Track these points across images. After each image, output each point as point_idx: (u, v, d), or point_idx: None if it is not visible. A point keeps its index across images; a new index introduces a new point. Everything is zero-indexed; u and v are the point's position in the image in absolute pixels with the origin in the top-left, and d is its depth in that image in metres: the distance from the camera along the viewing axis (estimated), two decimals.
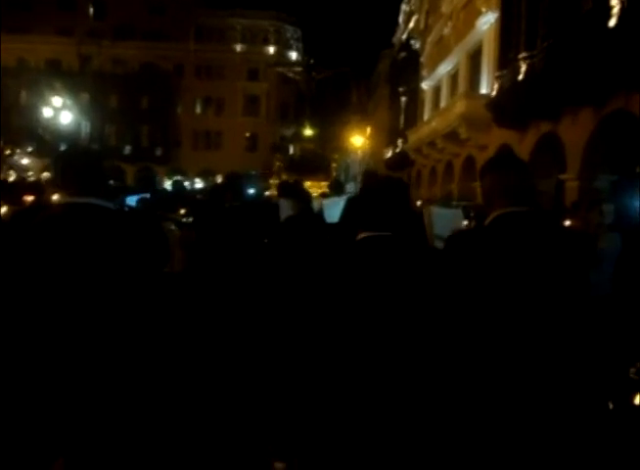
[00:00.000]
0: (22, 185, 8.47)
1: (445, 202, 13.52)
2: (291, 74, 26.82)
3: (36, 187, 6.45)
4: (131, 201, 5.75)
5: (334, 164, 19.66)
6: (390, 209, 1.87)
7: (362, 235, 1.85)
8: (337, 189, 5.03)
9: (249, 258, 3.22)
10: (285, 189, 4.49)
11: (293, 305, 2.39)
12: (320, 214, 4.20)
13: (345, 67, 29.68)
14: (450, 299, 1.82)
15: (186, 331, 3.14)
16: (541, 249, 1.82)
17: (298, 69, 25.05)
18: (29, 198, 5.76)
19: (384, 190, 1.91)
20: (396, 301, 1.77)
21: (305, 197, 4.09)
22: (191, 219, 4.71)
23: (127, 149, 37.59)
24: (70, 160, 2.09)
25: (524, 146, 14.20)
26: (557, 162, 12.72)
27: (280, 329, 2.73)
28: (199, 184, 25.68)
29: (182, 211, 5.57)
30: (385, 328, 1.76)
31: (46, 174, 26.41)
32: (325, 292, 1.85)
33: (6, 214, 4.79)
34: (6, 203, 5.13)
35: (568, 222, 5.04)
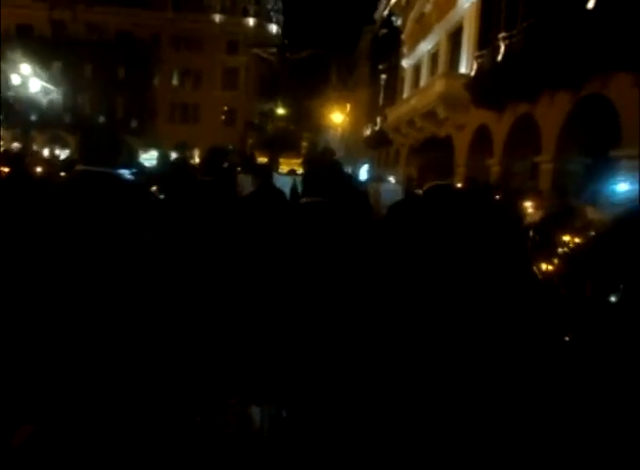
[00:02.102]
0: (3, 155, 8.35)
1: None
2: (265, 55, 26.51)
3: (14, 159, 6.41)
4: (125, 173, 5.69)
5: (304, 143, 19.73)
6: (324, 180, 2.29)
7: (303, 200, 2.26)
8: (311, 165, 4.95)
9: (209, 234, 3.21)
10: (245, 164, 4.45)
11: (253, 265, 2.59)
12: (281, 190, 4.23)
13: (323, 45, 29.43)
14: (383, 253, 2.18)
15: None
16: (463, 213, 2.27)
17: (273, 50, 24.78)
18: (4, 169, 5.73)
19: (319, 164, 2.39)
20: (324, 254, 2.13)
21: (264, 172, 4.07)
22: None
23: (101, 119, 36.66)
24: (88, 136, 2.49)
25: (500, 127, 14.26)
26: (532, 144, 12.82)
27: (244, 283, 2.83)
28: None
29: (153, 188, 5.49)
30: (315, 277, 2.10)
31: (16, 145, 25.68)
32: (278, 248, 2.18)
33: None
34: None
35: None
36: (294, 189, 4.41)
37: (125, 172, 5.66)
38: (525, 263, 2.92)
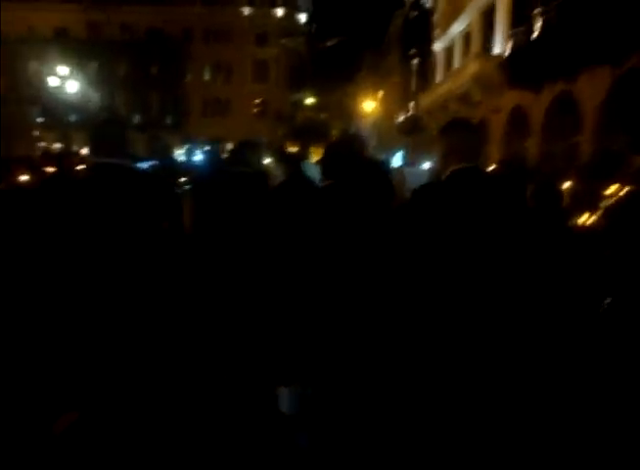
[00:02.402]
0: (47, 156, 8.71)
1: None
2: (293, 45, 26.46)
3: (56, 159, 6.67)
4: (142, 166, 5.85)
5: (334, 131, 19.63)
6: (340, 162, 2.28)
7: (324, 183, 2.31)
8: None
9: (241, 225, 3.25)
10: (275, 155, 4.46)
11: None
12: (308, 179, 4.22)
13: (353, 32, 29.15)
14: (402, 239, 2.12)
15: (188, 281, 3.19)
16: (489, 197, 2.16)
17: (301, 39, 24.68)
18: (50, 169, 5.96)
19: (336, 147, 2.37)
20: (341, 237, 2.14)
21: (294, 161, 4.07)
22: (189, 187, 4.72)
23: (137, 118, 37.39)
24: (100, 129, 2.55)
25: (537, 107, 13.83)
26: (572, 123, 12.38)
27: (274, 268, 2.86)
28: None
29: (182, 179, 5.59)
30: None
31: (58, 145, 26.46)
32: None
33: (27, 182, 4.92)
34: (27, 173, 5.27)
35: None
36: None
37: (143, 164, 5.83)
38: (562, 247, 2.78)
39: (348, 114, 35.36)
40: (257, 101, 40.40)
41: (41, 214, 2.61)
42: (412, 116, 26.13)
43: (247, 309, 2.79)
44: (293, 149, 5.11)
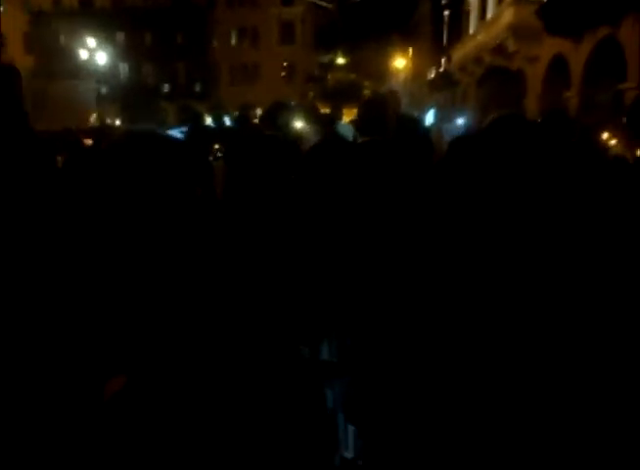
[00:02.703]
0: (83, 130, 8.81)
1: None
2: (323, 3, 25.72)
3: (94, 132, 6.74)
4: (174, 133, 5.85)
5: (366, 91, 19.14)
6: (378, 118, 2.26)
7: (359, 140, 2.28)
8: None
9: (276, 189, 3.20)
10: (311, 115, 4.35)
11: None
12: (344, 139, 4.12)
13: None
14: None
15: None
16: (533, 144, 2.03)
17: None
18: (88, 141, 6.02)
19: (373, 103, 2.33)
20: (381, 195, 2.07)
21: (327, 122, 3.96)
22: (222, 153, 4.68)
23: (166, 87, 37.41)
24: (130, 98, 2.56)
25: (578, 55, 13.14)
26: (616, 71, 11.73)
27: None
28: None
29: (216, 146, 5.54)
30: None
31: (93, 117, 26.80)
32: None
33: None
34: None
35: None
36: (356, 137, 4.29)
37: (175, 132, 5.81)
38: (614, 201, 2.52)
39: (379, 73, 34.50)
40: (285, 64, 39.79)
41: (77, 187, 2.60)
42: (444, 71, 25.28)
43: (282, 270, 2.77)
44: (324, 110, 4.99)
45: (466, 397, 1.90)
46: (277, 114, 4.15)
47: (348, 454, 2.28)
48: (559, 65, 14.13)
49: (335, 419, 2.41)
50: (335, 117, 4.30)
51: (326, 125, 3.67)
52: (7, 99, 1.85)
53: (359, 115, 2.22)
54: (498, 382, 1.92)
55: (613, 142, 5.20)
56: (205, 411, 2.37)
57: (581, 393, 1.92)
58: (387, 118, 2.15)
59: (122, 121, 2.58)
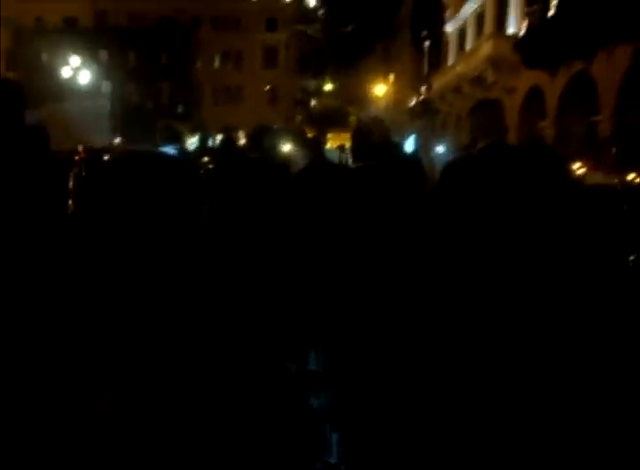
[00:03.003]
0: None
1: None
2: (310, 31, 26.38)
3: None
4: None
5: (352, 117, 19.50)
6: (372, 143, 2.37)
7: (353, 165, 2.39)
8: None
9: (263, 211, 3.24)
10: (300, 138, 4.42)
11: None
12: (332, 163, 4.19)
13: (365, 15, 28.90)
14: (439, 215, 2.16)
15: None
16: (518, 168, 2.22)
17: (317, 26, 24.63)
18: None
19: (367, 129, 2.49)
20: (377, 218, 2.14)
21: (315, 146, 4.03)
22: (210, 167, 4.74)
23: (148, 107, 37.45)
24: (132, 116, 2.43)
25: (554, 88, 13.62)
26: (589, 103, 12.19)
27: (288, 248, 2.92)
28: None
29: (205, 159, 5.60)
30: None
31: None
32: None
33: None
34: None
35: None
36: (342, 162, 4.38)
37: (170, 150, 5.84)
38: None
39: (362, 99, 35.13)
40: (268, 87, 40.26)
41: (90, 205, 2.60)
42: (424, 99, 25.85)
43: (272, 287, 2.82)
44: (310, 135, 5.09)
45: (449, 404, 1.98)
46: (263, 136, 4.22)
47: (332, 460, 2.38)
48: (535, 96, 14.62)
49: (321, 427, 2.46)
50: (320, 141, 4.38)
51: (314, 149, 3.73)
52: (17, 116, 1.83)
53: (353, 140, 2.30)
54: (481, 393, 2.00)
55: (584, 171, 5.45)
56: (191, 422, 2.38)
57: (569, 392, 2.01)
58: (381, 145, 2.24)
59: (124, 141, 2.59)
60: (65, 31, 35.91)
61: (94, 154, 3.51)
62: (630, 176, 5.14)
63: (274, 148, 4.33)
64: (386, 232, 2.07)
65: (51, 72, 29.67)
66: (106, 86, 36.05)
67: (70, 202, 2.37)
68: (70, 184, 2.80)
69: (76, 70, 21.77)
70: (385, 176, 2.21)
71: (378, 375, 2.24)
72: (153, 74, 37.68)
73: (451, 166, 2.34)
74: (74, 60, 21.89)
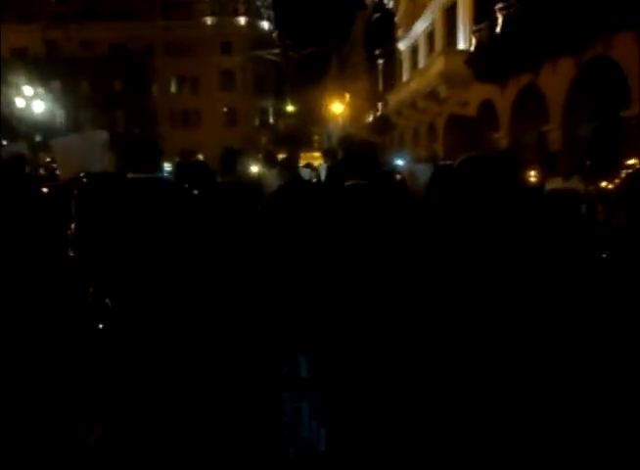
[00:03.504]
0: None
1: (431, 161, 13.61)
2: (269, 57, 26.77)
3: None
4: None
5: (315, 137, 19.80)
6: (364, 163, 2.43)
7: (348, 183, 2.35)
8: (331, 156, 5.02)
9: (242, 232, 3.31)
10: (267, 161, 4.47)
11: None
12: (308, 181, 4.27)
13: (318, 36, 29.71)
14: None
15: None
16: (496, 178, 2.39)
17: (276, 51, 25.06)
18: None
19: (361, 148, 2.50)
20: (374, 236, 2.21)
21: (289, 165, 4.10)
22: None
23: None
24: (136, 146, 2.65)
25: (504, 99, 14.18)
26: (539, 113, 12.74)
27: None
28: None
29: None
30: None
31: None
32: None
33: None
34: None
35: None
36: (313, 180, 4.47)
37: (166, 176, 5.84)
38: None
39: (320, 118, 35.60)
40: (226, 109, 40.33)
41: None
42: (381, 115, 26.42)
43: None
44: (280, 155, 5.17)
45: (433, 407, 2.09)
46: (233, 159, 4.24)
47: (320, 449, 2.77)
48: (487, 109, 15.17)
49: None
50: (293, 160, 4.46)
51: (288, 169, 3.81)
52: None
53: (346, 158, 2.40)
54: (461, 394, 2.12)
55: (535, 177, 5.76)
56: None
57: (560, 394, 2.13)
58: (373, 163, 2.35)
59: (125, 169, 2.63)
60: (14, 62, 35.16)
61: (100, 180, 3.54)
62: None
63: (245, 170, 4.38)
64: (379, 247, 2.18)
65: (3, 103, 28.96)
66: (60, 116, 35.45)
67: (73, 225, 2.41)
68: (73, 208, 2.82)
69: (30, 99, 21.35)
70: (381, 194, 2.33)
71: (362, 381, 2.35)
72: (107, 102, 37.23)
73: (436, 179, 2.49)
74: (27, 90, 21.46)
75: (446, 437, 2.23)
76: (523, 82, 13.08)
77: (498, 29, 12.73)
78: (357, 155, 2.43)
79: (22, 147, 5.46)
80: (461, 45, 16.80)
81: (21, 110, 21.85)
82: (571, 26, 9.89)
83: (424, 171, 2.68)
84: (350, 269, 2.14)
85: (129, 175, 2.53)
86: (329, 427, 2.70)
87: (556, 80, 11.57)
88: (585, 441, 1.99)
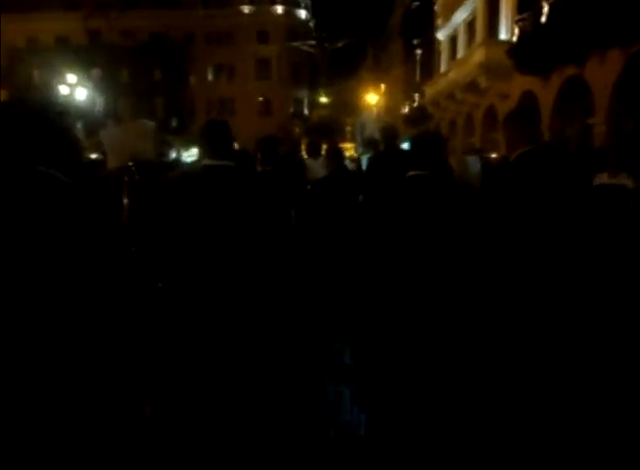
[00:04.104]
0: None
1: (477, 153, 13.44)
2: (305, 48, 26.78)
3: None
4: None
5: (348, 128, 19.73)
6: (433, 152, 2.37)
7: (411, 173, 2.30)
8: (373, 147, 5.01)
9: (285, 222, 3.34)
10: (315, 149, 4.47)
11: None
12: (352, 171, 4.27)
13: (355, 25, 29.58)
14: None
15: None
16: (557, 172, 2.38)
17: (312, 42, 25.05)
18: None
19: (429, 139, 2.43)
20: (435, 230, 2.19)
21: (337, 155, 4.10)
22: None
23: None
24: (211, 131, 2.58)
25: (547, 92, 13.83)
26: (583, 106, 12.39)
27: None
28: None
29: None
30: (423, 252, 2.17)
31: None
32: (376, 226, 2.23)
33: None
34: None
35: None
36: (359, 169, 4.49)
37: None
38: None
39: (353, 109, 35.38)
40: (261, 99, 40.49)
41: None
42: (418, 106, 26.11)
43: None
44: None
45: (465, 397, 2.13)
46: (274, 148, 4.24)
47: (360, 432, 2.87)
48: (529, 100, 14.82)
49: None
50: (339, 150, 4.45)
51: (336, 159, 3.82)
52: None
53: (412, 149, 2.40)
54: (496, 383, 2.15)
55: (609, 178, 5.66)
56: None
57: (581, 392, 2.14)
58: (440, 153, 2.35)
59: (203, 155, 2.63)
60: (57, 50, 36.05)
61: (160, 169, 3.62)
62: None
63: (292, 159, 4.41)
64: (440, 238, 2.17)
65: (44, 90, 29.74)
66: (100, 103, 36.20)
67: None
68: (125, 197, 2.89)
69: (73, 87, 21.86)
70: (444, 185, 2.32)
71: (399, 372, 2.38)
72: (146, 90, 37.82)
73: (494, 172, 2.45)
74: (71, 77, 21.98)
75: (489, 434, 2.26)
76: (567, 74, 12.73)
77: (543, 19, 12.39)
78: (424, 145, 2.38)
79: (79, 132, 5.59)
80: (503, 35, 16.43)
81: (64, 97, 22.42)
82: (621, 17, 9.55)
83: (473, 163, 2.66)
84: (406, 259, 2.15)
85: (204, 162, 2.53)
86: (369, 412, 2.77)
87: (603, 73, 11.22)
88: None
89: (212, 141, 2.49)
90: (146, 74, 37.89)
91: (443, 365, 2.31)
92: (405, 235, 2.14)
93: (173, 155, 5.22)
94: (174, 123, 38.95)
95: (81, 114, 24.71)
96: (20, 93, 30.53)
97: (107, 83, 36.62)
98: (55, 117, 1.77)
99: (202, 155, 2.62)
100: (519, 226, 2.24)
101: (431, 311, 2.25)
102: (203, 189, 2.42)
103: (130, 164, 3.62)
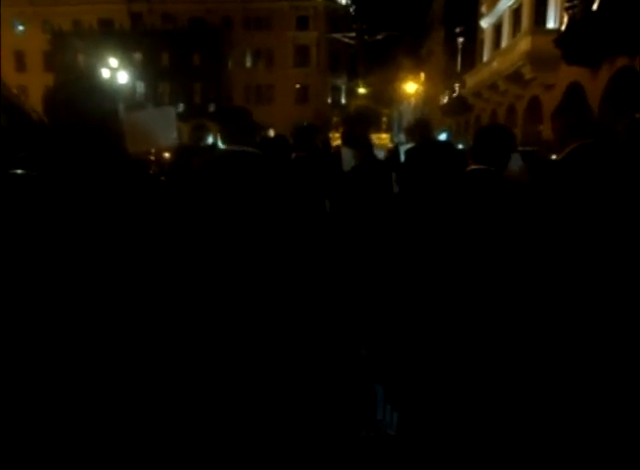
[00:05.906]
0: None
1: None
2: (345, 39, 26.71)
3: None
4: None
5: (384, 118, 19.64)
6: (502, 147, 2.30)
7: (473, 167, 2.24)
8: (414, 135, 4.87)
9: (316, 210, 3.26)
10: (347, 138, 4.39)
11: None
12: (383, 162, 4.19)
13: (399, 19, 29.49)
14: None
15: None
16: (612, 170, 2.21)
17: (352, 34, 24.99)
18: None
19: (498, 130, 2.39)
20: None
21: (366, 145, 4.02)
22: None
23: (180, 107, 37.96)
24: (230, 117, 2.55)
25: (596, 83, 13.29)
26: (633, 99, 11.86)
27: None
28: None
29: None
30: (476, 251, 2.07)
31: None
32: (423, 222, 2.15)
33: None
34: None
35: None
36: (395, 159, 4.38)
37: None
38: None
39: (391, 99, 34.97)
40: (298, 86, 40.36)
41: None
42: (458, 96, 25.57)
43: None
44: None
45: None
46: (309, 136, 4.16)
47: (392, 432, 2.83)
48: (576, 92, 14.28)
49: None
50: (370, 141, 4.36)
51: (364, 149, 3.74)
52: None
53: (478, 142, 2.29)
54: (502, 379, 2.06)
55: None
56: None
57: (581, 392, 2.02)
58: (503, 148, 2.25)
59: (224, 141, 2.58)
60: (101, 33, 36.70)
61: (190, 153, 3.58)
62: None
63: (326, 147, 4.32)
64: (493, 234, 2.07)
65: (87, 73, 30.33)
66: (139, 87, 36.75)
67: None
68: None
69: (115, 70, 22.22)
70: (506, 181, 2.21)
71: (434, 371, 2.30)
72: (185, 75, 38.18)
73: (543, 168, 2.33)
74: (113, 61, 22.35)
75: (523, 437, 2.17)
76: (618, 65, 12.20)
77: (595, 6, 11.87)
78: (493, 139, 2.28)
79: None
80: (550, 24, 15.85)
81: (106, 81, 22.81)
82: None
83: (515, 160, 2.52)
84: (459, 256, 2.05)
85: (225, 148, 2.51)
86: (401, 412, 2.69)
87: None
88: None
89: (229, 127, 2.47)
90: (185, 59, 38.23)
91: (481, 366, 2.22)
92: (463, 231, 2.04)
93: (210, 139, 5.16)
94: (212, 108, 39.29)
95: (122, 98, 25.12)
96: (65, 77, 31.28)
97: (147, 67, 37.12)
98: (106, 103, 1.76)
99: (220, 140, 2.57)
100: (579, 226, 2.10)
101: (478, 312, 2.15)
102: (219, 175, 2.38)
103: (152, 150, 3.59)
